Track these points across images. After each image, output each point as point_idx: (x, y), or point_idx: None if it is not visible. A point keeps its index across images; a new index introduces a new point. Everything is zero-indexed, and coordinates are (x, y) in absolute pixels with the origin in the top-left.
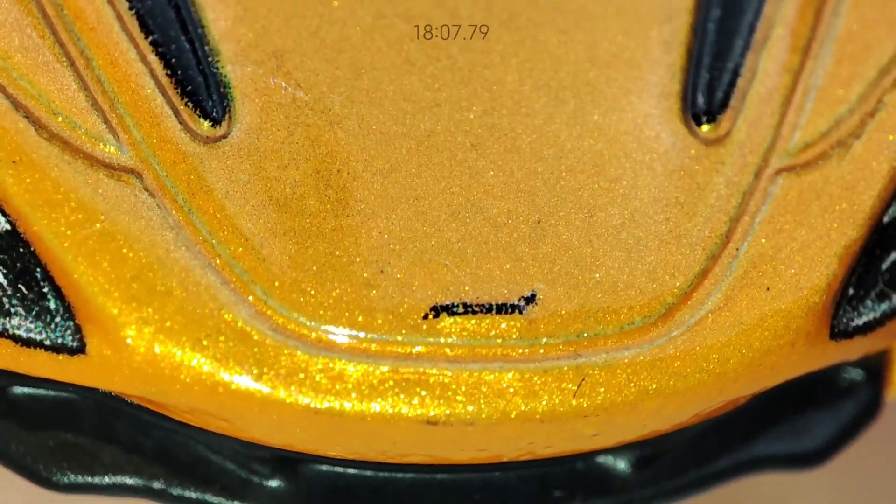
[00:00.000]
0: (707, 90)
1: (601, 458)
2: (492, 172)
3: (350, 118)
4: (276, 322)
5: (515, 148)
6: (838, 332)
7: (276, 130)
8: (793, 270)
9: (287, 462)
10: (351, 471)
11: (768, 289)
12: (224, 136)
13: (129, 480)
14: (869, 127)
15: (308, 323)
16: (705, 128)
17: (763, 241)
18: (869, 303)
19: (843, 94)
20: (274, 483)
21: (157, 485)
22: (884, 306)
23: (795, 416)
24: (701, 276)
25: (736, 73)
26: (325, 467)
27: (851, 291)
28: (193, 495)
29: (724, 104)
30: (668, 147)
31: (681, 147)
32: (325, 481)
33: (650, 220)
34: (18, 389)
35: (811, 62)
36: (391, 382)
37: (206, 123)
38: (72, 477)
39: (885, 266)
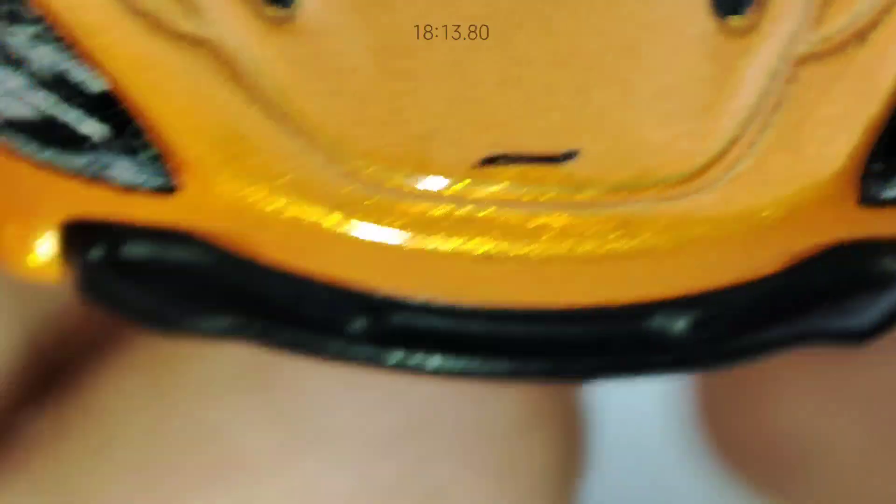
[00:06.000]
0: None
1: (658, 319)
2: (535, 50)
3: (406, 1)
4: (342, 168)
5: (558, 30)
6: (866, 199)
7: (339, 12)
8: (817, 140)
9: (370, 308)
10: (428, 319)
11: (795, 154)
12: (290, 17)
13: (231, 322)
14: (885, 18)
15: (370, 169)
16: (733, 20)
17: (790, 114)
18: None
19: None
20: (358, 325)
21: (255, 325)
22: None
23: (844, 299)
24: (732, 141)
25: None
26: (404, 314)
27: (881, 166)
28: (287, 334)
29: (751, 1)
30: (696, 36)
31: (709, 36)
32: (403, 326)
33: (682, 94)
34: (129, 249)
35: None
36: (448, 222)
37: (275, 7)
38: (175, 320)
39: None
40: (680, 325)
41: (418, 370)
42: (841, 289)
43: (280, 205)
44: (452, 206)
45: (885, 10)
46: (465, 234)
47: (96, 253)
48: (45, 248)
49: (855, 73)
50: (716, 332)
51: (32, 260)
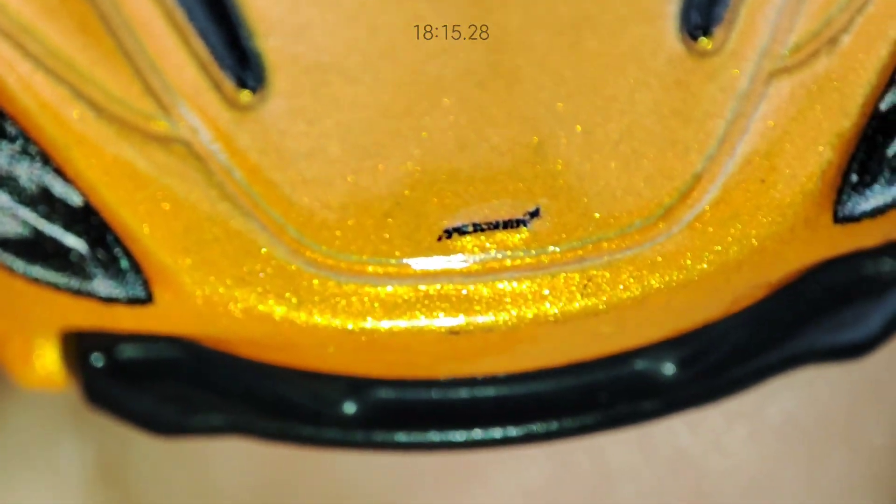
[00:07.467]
0: (701, 7)
1: (644, 362)
2: (495, 106)
3: (366, 73)
4: (309, 256)
5: (517, 81)
6: (843, 217)
7: (303, 92)
8: (786, 162)
9: (352, 389)
10: (409, 392)
11: (763, 181)
12: (260, 102)
13: (219, 420)
14: (857, 22)
15: (336, 254)
16: (702, 42)
17: (757, 139)
18: (877, 188)
19: None
20: (344, 409)
21: (243, 421)
22: (894, 190)
23: (839, 310)
24: (697, 177)
25: None
26: (385, 390)
27: (855, 178)
28: (275, 427)
29: (719, 18)
30: (663, 64)
31: (677, 62)
32: (387, 403)
33: (646, 132)
34: (123, 350)
35: None
36: (414, 299)
37: (245, 93)
38: (172, 421)
39: (892, 152)
40: (666, 366)
41: (419, 447)
42: (831, 304)
43: (250, 303)
44: (418, 283)
45: (858, 10)
46: (432, 311)
47: (96, 360)
48: (48, 358)
49: (825, 83)
50: (705, 368)
51: (37, 371)
